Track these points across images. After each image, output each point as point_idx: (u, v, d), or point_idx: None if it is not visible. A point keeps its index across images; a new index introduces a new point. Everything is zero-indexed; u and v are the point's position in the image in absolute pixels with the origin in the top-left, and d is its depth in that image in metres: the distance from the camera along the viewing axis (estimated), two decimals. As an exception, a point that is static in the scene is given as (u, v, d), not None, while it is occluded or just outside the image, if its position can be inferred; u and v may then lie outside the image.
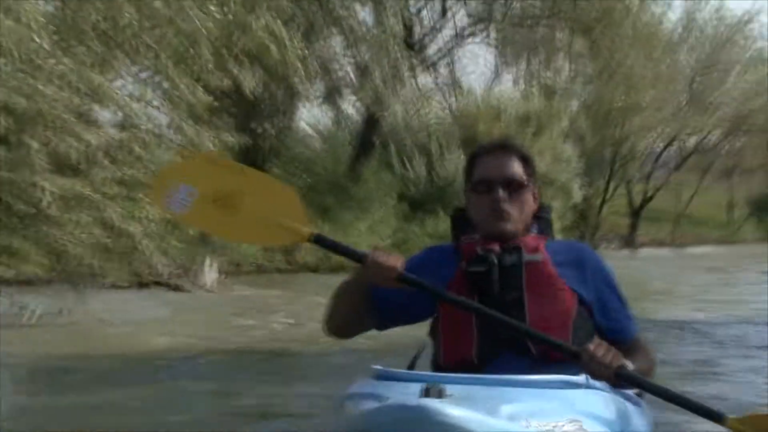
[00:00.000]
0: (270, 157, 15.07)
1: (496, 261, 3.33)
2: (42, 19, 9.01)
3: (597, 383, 3.11)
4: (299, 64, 10.94)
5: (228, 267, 16.11)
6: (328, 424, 3.03)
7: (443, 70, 23.16)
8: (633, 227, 34.18)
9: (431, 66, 21.47)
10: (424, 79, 21.82)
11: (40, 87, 8.92)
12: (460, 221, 3.59)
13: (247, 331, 10.63)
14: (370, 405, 2.64)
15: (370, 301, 3.41)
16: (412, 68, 19.06)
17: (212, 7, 10.09)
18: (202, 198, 3.30)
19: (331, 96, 19.67)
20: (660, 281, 18.14)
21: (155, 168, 9.46)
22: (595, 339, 3.26)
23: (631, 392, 3.46)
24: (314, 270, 18.29)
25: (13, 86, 8.75)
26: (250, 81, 10.81)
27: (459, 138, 24.08)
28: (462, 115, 24.11)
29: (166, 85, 10.30)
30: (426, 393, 2.50)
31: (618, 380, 3.11)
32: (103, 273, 9.81)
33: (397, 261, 3.19)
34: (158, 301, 12.65)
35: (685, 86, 32.56)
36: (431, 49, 22.52)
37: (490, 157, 3.47)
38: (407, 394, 2.60)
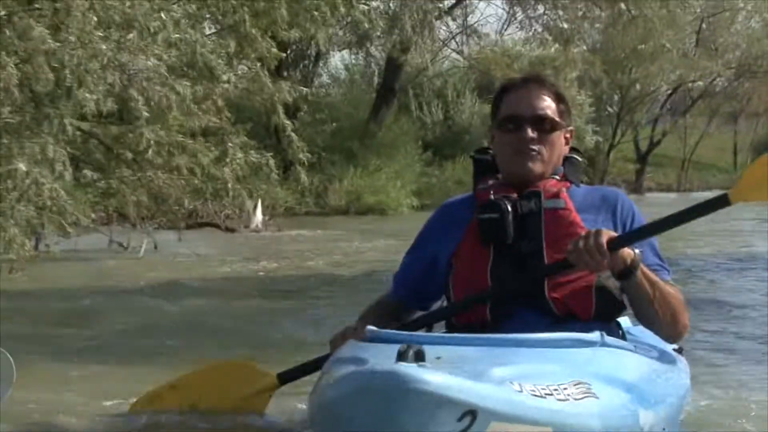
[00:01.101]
0: (299, 103, 16.61)
1: (509, 207, 3.25)
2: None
3: (614, 341, 3.07)
4: (363, 17, 12.60)
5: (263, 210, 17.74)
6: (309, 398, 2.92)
7: (458, 16, 24.67)
8: (640, 172, 35.80)
9: (446, 12, 23.00)
10: (440, 26, 23.28)
11: (143, 46, 10.59)
12: (482, 164, 3.52)
13: (307, 262, 12.18)
14: (345, 370, 2.55)
15: (394, 309, 3.51)
16: (440, 15, 20.60)
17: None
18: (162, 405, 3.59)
19: (362, 42, 21.25)
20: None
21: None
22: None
23: (669, 348, 3.52)
24: (345, 212, 20.01)
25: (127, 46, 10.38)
26: (323, 35, 12.47)
27: (474, 84, 25.86)
28: (477, 61, 25.79)
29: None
30: (401, 356, 2.39)
31: (614, 254, 3.07)
32: (196, 213, 11.54)
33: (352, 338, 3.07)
34: (221, 240, 14.37)
35: (693, 30, 34.06)
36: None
37: (520, 92, 3.37)
38: (386, 356, 2.49)
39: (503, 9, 26.67)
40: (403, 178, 21.39)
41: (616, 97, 34.12)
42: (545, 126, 3.31)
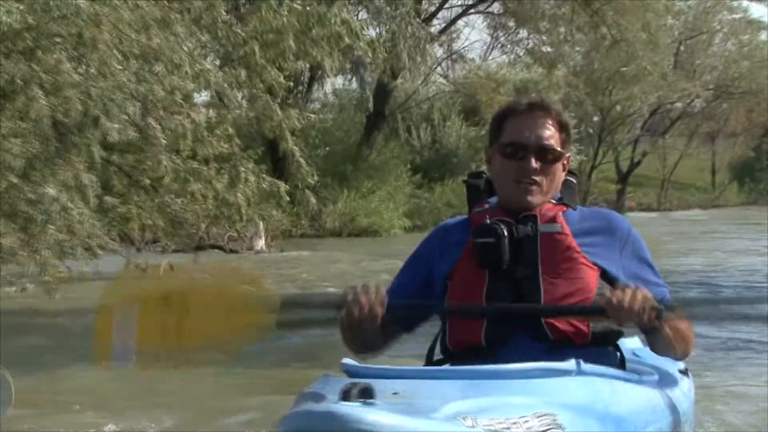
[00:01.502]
0: (293, 128, 17.17)
1: (505, 232, 3.22)
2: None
3: (593, 368, 2.98)
4: (367, 48, 13.27)
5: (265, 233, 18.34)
6: None
7: (444, 41, 25.39)
8: (621, 192, 36.64)
9: (434, 38, 23.68)
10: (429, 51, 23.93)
11: (160, 75, 11.19)
12: (476, 188, 3.47)
13: (313, 281, 12.81)
14: (298, 408, 2.53)
15: (382, 321, 3.30)
16: (430, 40, 21.28)
17: (296, 5, 12.38)
18: (143, 341, 3.19)
19: (356, 69, 21.93)
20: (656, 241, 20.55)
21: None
22: (616, 288, 3.12)
23: (674, 369, 3.51)
24: (339, 234, 20.62)
25: (144, 77, 10.99)
26: (331, 63, 13.11)
27: (460, 108, 26.58)
28: (463, 85, 26.52)
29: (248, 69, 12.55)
30: (345, 395, 2.37)
31: (658, 318, 3.04)
32: (210, 237, 12.14)
33: (376, 301, 3.11)
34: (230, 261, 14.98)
35: (671, 53, 34.94)
36: (434, 21, 24.79)
37: (524, 119, 3.30)
38: (333, 395, 2.47)
39: (487, 34, 27.40)
40: (395, 200, 22.07)
41: (596, 119, 34.92)
42: (549, 157, 3.25)
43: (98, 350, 3.39)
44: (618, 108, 34.15)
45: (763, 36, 41.12)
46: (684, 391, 3.44)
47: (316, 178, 12.91)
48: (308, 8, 12.65)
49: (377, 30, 19.01)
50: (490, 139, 3.36)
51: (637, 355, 3.57)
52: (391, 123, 24.59)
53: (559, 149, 3.26)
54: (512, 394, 2.65)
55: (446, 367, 3.04)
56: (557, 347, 3.12)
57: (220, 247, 16.26)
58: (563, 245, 3.22)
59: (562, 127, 3.31)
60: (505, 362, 2.85)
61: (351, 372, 2.79)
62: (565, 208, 3.29)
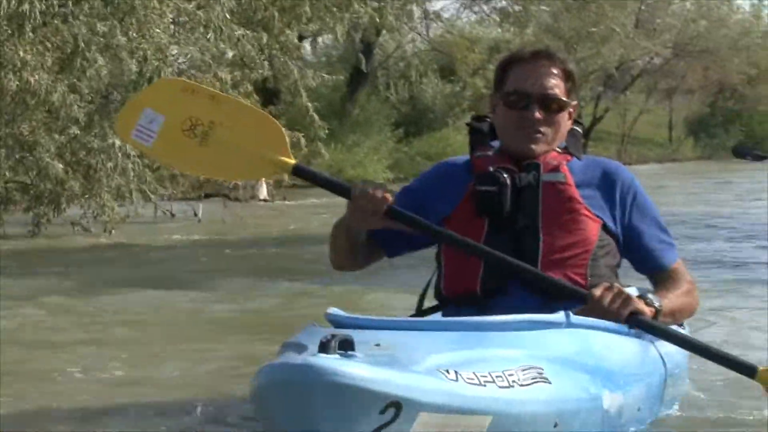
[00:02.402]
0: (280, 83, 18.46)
1: (507, 181, 3.21)
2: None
3: (584, 320, 2.97)
4: (374, 13, 14.74)
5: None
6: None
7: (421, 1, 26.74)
8: (583, 147, 38.12)
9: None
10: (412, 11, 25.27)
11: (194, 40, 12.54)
12: (479, 132, 3.45)
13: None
14: (275, 360, 2.52)
15: (370, 237, 3.36)
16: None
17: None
18: (169, 128, 3.25)
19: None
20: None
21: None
22: (604, 283, 3.11)
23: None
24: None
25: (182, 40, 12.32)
26: (341, 28, 14.49)
27: (436, 66, 28.08)
28: (439, 44, 28.01)
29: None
30: (323, 347, 2.35)
31: (633, 318, 3.02)
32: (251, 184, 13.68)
33: (384, 194, 3.12)
34: (235, 208, 16.35)
35: (633, 11, 36.46)
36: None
37: (529, 67, 3.29)
38: (313, 347, 2.45)
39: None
40: (378, 153, 23.55)
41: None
42: (553, 106, 3.26)
43: (123, 122, 3.42)
44: (582, 65, 35.60)
45: (718, -5, 42.99)
46: (655, 348, 3.29)
47: (327, 131, 14.37)
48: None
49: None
50: (495, 87, 3.38)
51: None
52: (372, 80, 25.97)
53: (564, 98, 3.28)
54: (498, 347, 2.64)
55: (432, 318, 3.01)
56: (553, 299, 3.11)
57: (226, 196, 17.55)
58: (565, 195, 3.23)
59: (568, 76, 3.31)
60: (499, 313, 2.86)
61: (336, 322, 2.77)
62: (569, 158, 3.31)
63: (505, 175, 3.22)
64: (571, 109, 3.34)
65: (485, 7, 30.00)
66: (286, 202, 17.73)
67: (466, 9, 29.77)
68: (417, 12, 25.88)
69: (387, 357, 2.40)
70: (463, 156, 3.48)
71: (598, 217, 3.24)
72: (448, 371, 2.44)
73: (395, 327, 2.65)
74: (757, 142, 42.81)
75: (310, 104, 14.09)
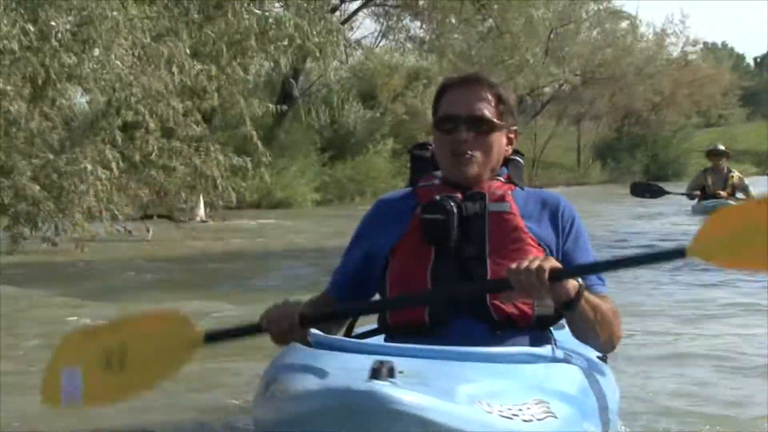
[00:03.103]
0: (216, 112, 19.67)
1: (455, 209, 3.23)
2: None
3: (561, 355, 3.04)
4: (313, 45, 16.14)
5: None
6: (254, 405, 2.97)
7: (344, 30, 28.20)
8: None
9: (340, 31, 26.49)
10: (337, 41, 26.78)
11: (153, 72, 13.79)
12: (422, 160, 3.53)
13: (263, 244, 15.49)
14: (308, 383, 2.55)
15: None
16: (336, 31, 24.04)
17: (257, 11, 15.16)
18: (89, 374, 3.30)
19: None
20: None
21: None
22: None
23: (595, 357, 3.42)
24: (257, 206, 23.21)
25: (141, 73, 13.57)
26: (287, 60, 15.89)
27: (357, 92, 29.62)
28: (360, 71, 29.53)
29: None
30: (375, 373, 2.37)
31: (557, 285, 3.00)
32: (191, 206, 14.93)
33: (288, 311, 3.15)
34: (184, 229, 17.58)
35: (543, 40, 38.34)
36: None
37: (457, 92, 3.33)
38: (351, 370, 2.49)
39: (380, 22, 30.44)
40: (305, 176, 24.95)
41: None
42: (482, 127, 3.27)
43: (47, 394, 3.40)
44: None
45: (623, 24, 45.28)
46: (610, 375, 3.45)
47: (270, 157, 15.73)
48: (266, 13, 15.44)
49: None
50: (433, 115, 3.42)
51: (558, 339, 3.43)
52: (297, 106, 27.31)
53: (493, 120, 3.28)
54: (507, 379, 2.68)
55: (436, 347, 2.84)
56: (500, 328, 3.16)
57: (168, 217, 18.71)
58: (511, 225, 3.23)
59: (499, 99, 3.31)
60: (448, 343, 2.90)
61: (319, 343, 2.87)
62: (513, 187, 3.33)
63: (452, 203, 3.23)
64: (509, 134, 3.38)
65: (400, 36, 31.69)
66: (225, 222, 18.96)
67: (384, 37, 31.39)
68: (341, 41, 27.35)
69: (425, 386, 2.42)
70: (401, 189, 3.56)
71: (541, 246, 3.26)
72: (481, 402, 2.49)
73: (394, 354, 2.62)
74: (662, 165, 45.02)
75: (254, 132, 15.43)
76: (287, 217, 21.07)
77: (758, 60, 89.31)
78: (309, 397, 2.45)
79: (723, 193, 17.77)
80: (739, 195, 17.82)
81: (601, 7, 42.11)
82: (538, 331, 3.24)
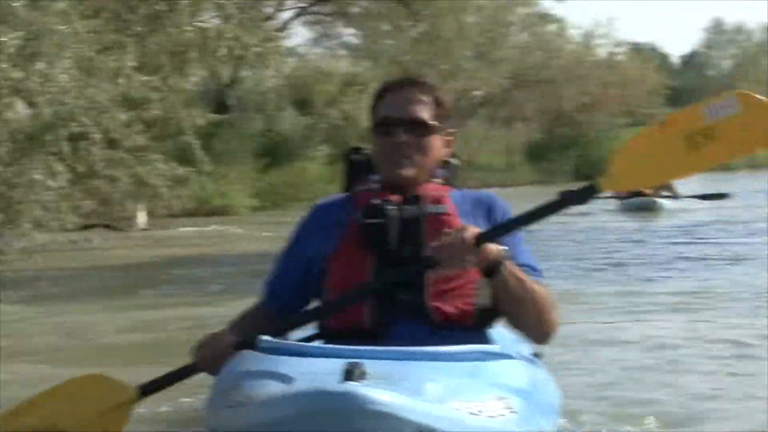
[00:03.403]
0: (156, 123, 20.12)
1: (394, 213, 3.25)
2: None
3: (509, 352, 3.05)
4: (253, 55, 16.67)
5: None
6: (210, 415, 2.89)
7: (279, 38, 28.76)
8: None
9: (275, 38, 27.06)
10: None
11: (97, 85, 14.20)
12: (357, 164, 3.59)
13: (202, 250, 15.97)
14: (276, 388, 2.53)
15: (268, 320, 3.35)
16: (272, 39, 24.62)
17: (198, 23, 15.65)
18: None
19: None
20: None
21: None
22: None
23: (530, 354, 3.41)
24: (194, 214, 23.62)
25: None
26: (229, 70, 16.41)
27: (291, 99, 30.15)
28: (295, 78, 30.08)
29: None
30: (348, 375, 2.39)
31: (480, 250, 3.06)
32: (131, 215, 15.40)
33: (219, 345, 3.13)
34: (122, 236, 17.97)
35: (474, 44, 39.08)
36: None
37: (395, 95, 3.36)
38: (319, 374, 2.50)
39: (313, 30, 31.02)
40: (242, 183, 25.45)
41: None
42: (419, 130, 3.31)
43: None
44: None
45: (552, 28, 46.29)
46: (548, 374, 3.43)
47: (212, 166, 16.21)
48: (208, 25, 15.93)
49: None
50: (371, 119, 3.43)
51: (493, 337, 3.43)
52: (233, 113, 27.80)
53: (430, 122, 3.31)
54: (467, 377, 2.71)
55: (394, 348, 2.86)
56: (441, 329, 3.17)
57: (108, 226, 19.09)
58: (449, 226, 3.20)
59: (437, 102, 3.36)
60: (390, 345, 2.91)
61: (270, 349, 2.87)
62: (450, 189, 3.37)
63: (391, 207, 3.25)
64: (446, 137, 3.41)
65: (333, 42, 32.34)
66: (166, 231, 19.39)
67: (317, 44, 32.00)
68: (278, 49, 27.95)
69: (395, 386, 2.44)
70: (337, 195, 3.56)
71: None
72: (449, 401, 2.52)
73: (361, 356, 2.59)
74: (591, 166, 45.94)
75: (195, 142, 15.91)
76: (225, 224, 21.57)
77: (683, 59, 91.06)
78: (282, 402, 2.43)
79: (648, 191, 18.30)
80: (664, 193, 18.49)
81: (529, 11, 42.96)
82: (477, 331, 3.25)
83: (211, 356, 3.13)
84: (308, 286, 3.37)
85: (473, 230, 3.07)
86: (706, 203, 19.18)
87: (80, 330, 8.12)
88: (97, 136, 14.18)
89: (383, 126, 3.34)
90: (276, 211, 26.01)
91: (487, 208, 3.38)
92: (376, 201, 3.28)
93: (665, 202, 19.29)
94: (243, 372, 2.79)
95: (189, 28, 15.41)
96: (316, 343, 3.25)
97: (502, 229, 3.19)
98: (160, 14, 15.32)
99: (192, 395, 4.71)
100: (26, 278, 12.04)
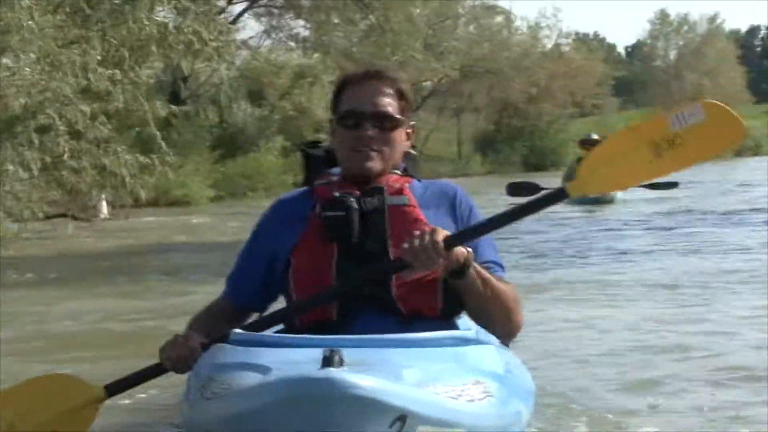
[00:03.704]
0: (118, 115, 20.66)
1: (356, 205, 3.25)
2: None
3: (484, 337, 3.10)
4: (209, 50, 17.31)
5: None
6: (187, 407, 2.94)
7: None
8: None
9: (230, 31, 27.66)
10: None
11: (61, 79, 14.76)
12: (316, 158, 3.56)
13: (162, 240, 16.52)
14: (256, 378, 2.57)
15: (230, 315, 3.39)
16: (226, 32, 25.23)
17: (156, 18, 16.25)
18: None
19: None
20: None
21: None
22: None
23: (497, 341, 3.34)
24: (155, 204, 24.16)
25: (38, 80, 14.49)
26: (187, 64, 17.01)
27: (245, 91, 30.77)
28: (247, 70, 30.69)
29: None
30: (327, 362, 2.40)
31: (449, 252, 3.07)
32: (93, 204, 15.98)
33: (186, 346, 3.14)
34: (85, 226, 18.47)
35: (423, 36, 39.82)
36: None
37: (361, 87, 3.35)
38: (297, 362, 2.55)
39: (262, 22, 31.66)
40: (199, 174, 26.05)
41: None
42: (386, 124, 3.31)
43: None
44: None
45: (498, 19, 47.16)
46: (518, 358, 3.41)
47: (173, 157, 16.81)
48: (167, 20, 16.53)
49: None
50: (332, 111, 3.43)
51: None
52: (195, 106, 28.39)
53: (397, 116, 3.33)
54: (444, 362, 2.76)
55: (367, 336, 2.91)
56: (408, 320, 3.21)
57: (73, 216, 19.47)
58: (411, 217, 3.26)
59: (401, 95, 3.37)
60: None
61: (241, 341, 2.94)
62: (410, 180, 3.37)
63: (352, 199, 3.26)
64: (408, 129, 3.42)
65: (281, 34, 32.97)
66: (128, 220, 19.86)
67: (267, 37, 32.63)
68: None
69: (374, 372, 2.47)
70: (298, 189, 3.55)
71: None
72: (427, 385, 2.57)
73: (336, 345, 2.58)
74: (540, 156, 46.77)
75: (158, 133, 16.51)
76: (185, 214, 22.09)
77: (629, 49, 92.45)
78: (263, 390, 2.44)
79: None
80: None
81: (476, 3, 43.84)
82: (443, 321, 3.26)
83: (177, 357, 3.15)
84: (271, 280, 3.39)
85: (442, 233, 3.07)
86: (658, 193, 19.30)
87: (50, 320, 8.19)
88: (62, 128, 14.69)
89: (349, 119, 3.34)
90: (233, 201, 26.77)
91: (451, 201, 3.41)
92: (337, 193, 3.30)
93: (619, 194, 19.44)
94: (218, 364, 2.84)
95: (147, 23, 15.92)
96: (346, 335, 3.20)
97: (471, 232, 3.22)
98: (121, 9, 15.88)
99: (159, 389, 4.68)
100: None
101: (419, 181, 3.41)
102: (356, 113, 3.31)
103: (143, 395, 4.67)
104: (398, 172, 3.39)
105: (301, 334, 3.10)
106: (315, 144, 3.63)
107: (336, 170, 3.46)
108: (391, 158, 3.34)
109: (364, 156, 3.30)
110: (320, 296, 3.21)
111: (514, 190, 18.94)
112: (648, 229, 14.77)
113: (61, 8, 15.35)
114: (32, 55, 13.47)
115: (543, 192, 3.74)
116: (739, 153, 48.56)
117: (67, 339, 7.27)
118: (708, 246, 11.85)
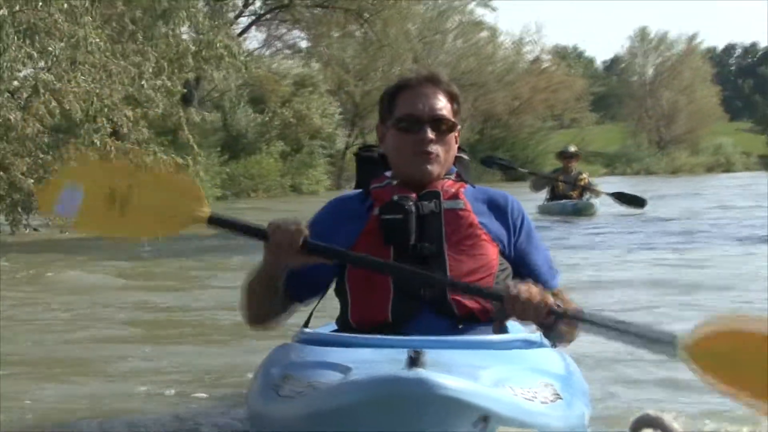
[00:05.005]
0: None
1: (413, 208, 3.31)
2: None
3: (545, 341, 3.19)
4: (238, 63, 19.48)
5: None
6: (260, 406, 2.96)
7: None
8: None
9: (239, 44, 29.82)
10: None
11: (111, 87, 16.87)
12: (369, 162, 3.63)
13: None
14: (333, 377, 2.63)
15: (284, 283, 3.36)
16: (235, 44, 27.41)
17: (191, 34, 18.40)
18: (89, 198, 3.35)
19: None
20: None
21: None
22: (513, 281, 3.17)
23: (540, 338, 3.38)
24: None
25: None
26: (218, 75, 19.18)
27: (247, 97, 33.02)
28: (250, 77, 32.84)
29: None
30: (413, 362, 2.43)
31: (549, 318, 3.09)
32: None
33: (299, 227, 3.17)
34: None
35: (413, 50, 41.90)
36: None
37: (417, 92, 3.39)
38: (376, 362, 2.62)
39: (263, 33, 33.87)
40: (207, 173, 28.18)
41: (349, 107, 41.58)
42: (442, 127, 3.35)
43: (44, 199, 3.56)
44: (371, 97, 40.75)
45: (484, 34, 49.39)
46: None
47: (204, 159, 18.93)
48: (201, 36, 18.71)
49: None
50: (382, 116, 3.47)
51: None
52: (196, 110, 30.49)
53: (452, 119, 3.38)
54: (516, 364, 2.86)
55: (439, 337, 3.00)
56: (462, 323, 3.28)
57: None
58: (466, 222, 3.34)
59: (453, 99, 3.42)
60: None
61: (311, 340, 3.07)
62: (464, 185, 3.42)
63: (410, 203, 3.31)
64: (456, 133, 3.43)
65: (278, 44, 35.19)
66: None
67: (269, 47, 34.85)
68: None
69: (455, 373, 2.50)
70: (352, 191, 3.61)
71: (495, 242, 3.36)
72: (504, 386, 2.65)
73: (417, 346, 2.56)
74: (521, 165, 48.60)
75: (191, 136, 18.64)
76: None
77: (607, 63, 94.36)
78: (352, 390, 2.48)
79: (573, 194, 18.44)
80: (587, 196, 18.72)
81: (463, 19, 46.02)
82: (490, 324, 3.32)
83: (283, 227, 3.17)
84: (321, 276, 3.43)
85: (549, 300, 3.09)
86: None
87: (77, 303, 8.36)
88: (109, 130, 16.75)
89: (407, 122, 3.37)
90: (237, 200, 28.75)
91: (504, 209, 3.46)
92: (396, 197, 3.35)
93: (598, 205, 19.10)
94: (293, 363, 2.92)
95: (185, 37, 18.05)
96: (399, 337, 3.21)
97: (574, 316, 3.15)
98: (156, 24, 18.00)
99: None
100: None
101: (473, 186, 3.48)
102: (415, 117, 3.36)
103: (216, 391, 4.88)
104: (452, 177, 3.45)
105: (356, 333, 3.26)
106: (369, 148, 3.74)
107: (390, 173, 3.51)
108: (447, 161, 3.40)
109: (425, 159, 3.35)
110: (391, 266, 3.26)
111: (488, 162, 18.73)
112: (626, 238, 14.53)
113: (108, 24, 17.45)
114: (88, 66, 15.49)
115: (652, 331, 3.07)
116: (711, 169, 50.86)
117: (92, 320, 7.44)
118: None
